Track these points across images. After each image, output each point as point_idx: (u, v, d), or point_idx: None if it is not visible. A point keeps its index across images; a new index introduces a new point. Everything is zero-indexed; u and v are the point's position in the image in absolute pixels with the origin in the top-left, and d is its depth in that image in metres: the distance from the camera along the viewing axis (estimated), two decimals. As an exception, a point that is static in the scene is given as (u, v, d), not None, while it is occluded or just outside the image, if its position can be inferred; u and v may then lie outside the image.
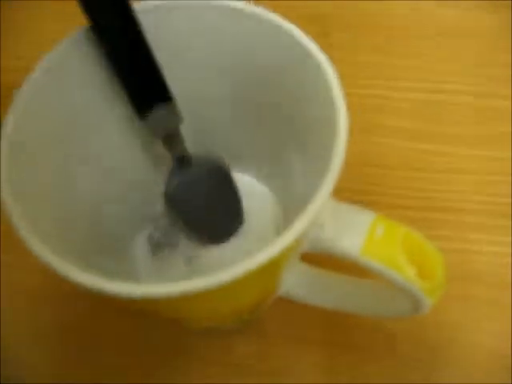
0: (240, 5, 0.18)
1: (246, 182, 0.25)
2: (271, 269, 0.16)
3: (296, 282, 0.22)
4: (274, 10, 0.18)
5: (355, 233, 0.16)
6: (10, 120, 0.16)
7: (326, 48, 0.17)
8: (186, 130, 0.21)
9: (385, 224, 0.16)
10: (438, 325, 0.24)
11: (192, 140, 0.22)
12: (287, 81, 0.19)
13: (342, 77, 0.17)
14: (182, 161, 0.22)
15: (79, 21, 0.18)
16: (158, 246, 0.24)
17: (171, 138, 0.21)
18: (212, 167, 0.23)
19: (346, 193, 0.17)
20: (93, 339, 0.25)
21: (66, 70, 0.19)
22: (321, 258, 0.22)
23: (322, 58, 0.17)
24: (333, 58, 0.17)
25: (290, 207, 0.22)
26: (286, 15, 0.18)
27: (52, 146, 0.19)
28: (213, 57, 0.21)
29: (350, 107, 0.16)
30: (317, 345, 0.24)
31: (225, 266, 0.13)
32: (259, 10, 0.18)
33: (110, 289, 0.13)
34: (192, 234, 0.24)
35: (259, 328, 0.24)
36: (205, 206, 0.24)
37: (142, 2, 0.19)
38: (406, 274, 0.16)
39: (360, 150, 0.28)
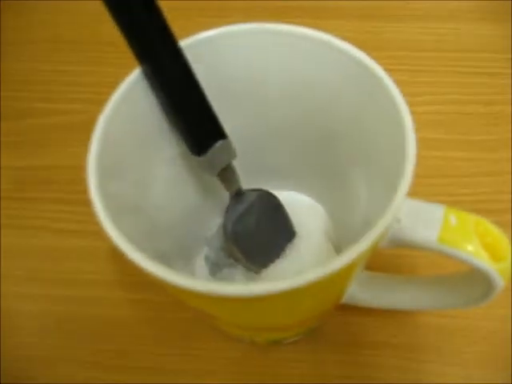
0: (300, 30, 0.20)
1: (293, 197, 0.26)
2: (350, 271, 0.17)
3: (360, 289, 0.23)
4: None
5: (431, 223, 0.17)
6: (95, 145, 0.18)
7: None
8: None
9: (456, 213, 0.17)
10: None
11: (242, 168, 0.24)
12: (350, 105, 0.20)
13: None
14: (237, 196, 0.24)
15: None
16: (216, 266, 0.25)
17: (226, 173, 0.23)
18: (260, 195, 0.24)
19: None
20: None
21: (129, 107, 0.20)
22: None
23: (390, 83, 0.18)
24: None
25: (346, 218, 0.23)
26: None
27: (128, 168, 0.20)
28: (268, 87, 0.22)
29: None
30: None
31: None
32: (326, 36, 0.19)
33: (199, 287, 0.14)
34: (249, 261, 0.25)
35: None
36: (259, 234, 0.25)
37: (189, 37, 0.21)
38: (482, 257, 0.17)
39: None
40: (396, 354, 0.25)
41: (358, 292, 0.22)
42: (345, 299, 0.23)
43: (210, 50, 0.20)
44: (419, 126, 0.31)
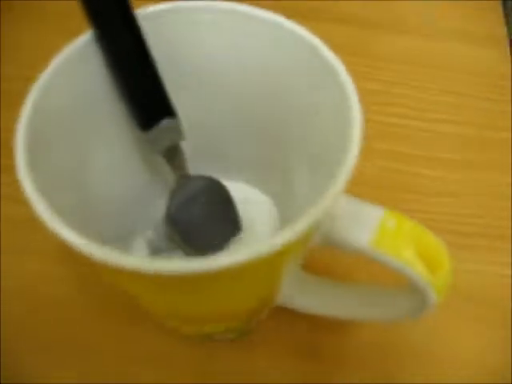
0: (256, 11, 0.19)
1: (243, 189, 0.25)
2: (281, 259, 0.16)
3: (297, 291, 0.22)
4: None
5: (367, 224, 0.16)
6: (25, 116, 0.17)
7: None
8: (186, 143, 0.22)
9: (396, 218, 0.16)
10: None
11: (191, 151, 0.23)
12: (301, 92, 0.19)
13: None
14: (182, 180, 0.23)
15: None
16: (157, 250, 0.24)
17: (172, 154, 0.22)
18: (208, 184, 0.23)
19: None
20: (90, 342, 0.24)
21: (71, 73, 0.19)
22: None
23: (343, 73, 0.17)
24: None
25: (290, 211, 0.22)
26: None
27: (63, 140, 0.19)
28: (219, 67, 0.21)
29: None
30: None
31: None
32: (279, 18, 0.19)
33: (126, 262, 0.13)
34: (190, 249, 0.24)
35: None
36: (203, 223, 0.24)
37: (145, 8, 0.20)
38: (416, 266, 0.16)
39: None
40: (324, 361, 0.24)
41: (295, 295, 0.22)
42: (282, 302, 0.22)
43: (165, 23, 0.19)
44: (386, 136, 0.31)
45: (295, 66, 0.19)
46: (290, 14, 0.19)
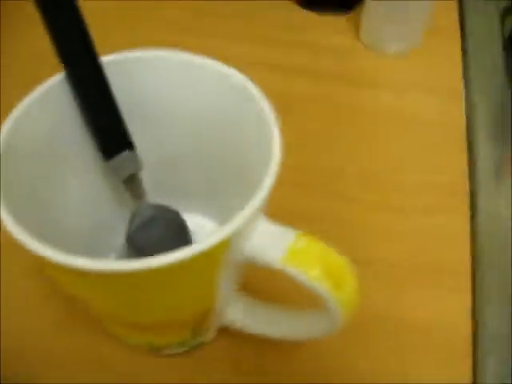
0: (196, 59, 0.22)
1: (197, 220, 0.28)
2: (205, 266, 0.18)
3: (240, 313, 0.24)
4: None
5: (280, 244, 0.19)
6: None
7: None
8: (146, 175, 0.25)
9: (306, 239, 0.19)
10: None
11: (151, 184, 0.26)
12: (231, 127, 0.23)
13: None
14: (141, 206, 0.26)
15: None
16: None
17: (132, 182, 0.25)
18: (165, 210, 0.26)
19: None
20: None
21: (43, 109, 0.22)
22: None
23: (261, 100, 0.20)
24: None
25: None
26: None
27: (35, 169, 0.22)
28: (171, 109, 0.24)
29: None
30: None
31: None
32: (211, 62, 0.22)
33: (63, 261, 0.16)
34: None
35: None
36: (159, 245, 0.26)
37: (111, 55, 0.23)
38: (321, 282, 0.18)
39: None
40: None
41: (237, 316, 0.24)
42: (227, 323, 0.24)
43: (124, 70, 0.23)
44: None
45: (227, 105, 0.22)
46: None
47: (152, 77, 0.23)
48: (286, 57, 0.42)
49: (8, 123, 0.20)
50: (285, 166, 0.20)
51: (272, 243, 0.19)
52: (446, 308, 0.28)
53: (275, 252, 0.19)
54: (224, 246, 0.17)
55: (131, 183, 0.25)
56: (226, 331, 0.26)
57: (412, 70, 0.41)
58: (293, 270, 0.18)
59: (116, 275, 0.16)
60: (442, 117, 0.38)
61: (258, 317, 0.25)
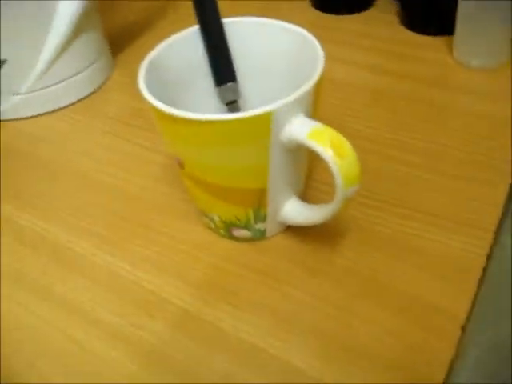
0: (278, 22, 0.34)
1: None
2: (258, 131, 0.28)
3: (290, 211, 0.34)
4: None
5: (306, 127, 0.28)
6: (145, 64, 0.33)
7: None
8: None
9: (324, 126, 0.28)
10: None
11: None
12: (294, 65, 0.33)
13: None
14: None
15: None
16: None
17: (233, 106, 0.36)
18: None
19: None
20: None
21: (182, 45, 0.34)
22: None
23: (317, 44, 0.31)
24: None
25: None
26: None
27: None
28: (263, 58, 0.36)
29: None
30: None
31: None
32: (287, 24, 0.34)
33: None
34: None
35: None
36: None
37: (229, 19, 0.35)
38: (327, 150, 0.28)
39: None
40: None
41: (294, 215, 0.34)
42: (285, 219, 0.34)
43: (235, 28, 0.35)
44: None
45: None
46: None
47: (250, 34, 0.35)
48: (383, 62, 0.52)
49: (154, 51, 0.33)
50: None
51: (302, 126, 0.29)
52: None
53: (303, 131, 0.28)
54: (268, 117, 0.27)
55: (232, 107, 0.36)
56: (284, 232, 0.36)
57: (491, 80, 0.48)
58: (312, 142, 0.28)
59: (204, 123, 0.27)
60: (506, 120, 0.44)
61: (301, 212, 0.34)
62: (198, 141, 0.29)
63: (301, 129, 0.28)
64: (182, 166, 0.32)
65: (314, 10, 0.62)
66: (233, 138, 0.28)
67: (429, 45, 0.53)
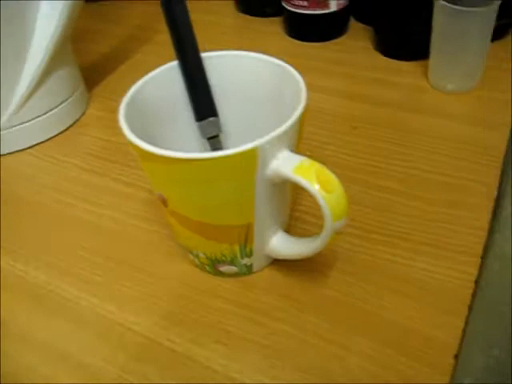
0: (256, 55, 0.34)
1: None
2: (243, 168, 0.28)
3: (277, 245, 0.34)
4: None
5: (292, 162, 0.28)
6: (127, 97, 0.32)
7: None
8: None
9: (310, 161, 0.28)
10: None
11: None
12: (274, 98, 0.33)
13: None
14: None
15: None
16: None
17: (214, 141, 0.36)
18: None
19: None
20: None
21: (161, 82, 0.34)
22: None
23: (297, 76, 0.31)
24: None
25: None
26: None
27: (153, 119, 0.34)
28: (243, 91, 0.36)
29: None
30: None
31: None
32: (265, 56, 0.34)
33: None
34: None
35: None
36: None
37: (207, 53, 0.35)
38: (314, 185, 0.27)
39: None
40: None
41: (280, 248, 0.34)
42: (272, 253, 0.34)
43: (213, 62, 0.35)
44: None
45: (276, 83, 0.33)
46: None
47: (229, 67, 0.35)
48: (359, 89, 0.52)
49: (134, 87, 0.33)
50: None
51: (287, 161, 0.28)
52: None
53: (289, 166, 0.28)
54: (254, 153, 0.27)
55: (214, 142, 0.36)
56: (271, 266, 0.36)
57: (466, 104, 0.49)
58: (298, 178, 0.28)
59: (189, 162, 0.27)
60: (484, 142, 0.45)
61: (288, 245, 0.34)
62: (182, 179, 0.29)
63: (286, 164, 0.28)
64: (165, 203, 0.32)
65: (288, 38, 0.62)
66: (218, 175, 0.28)
67: (404, 70, 0.54)
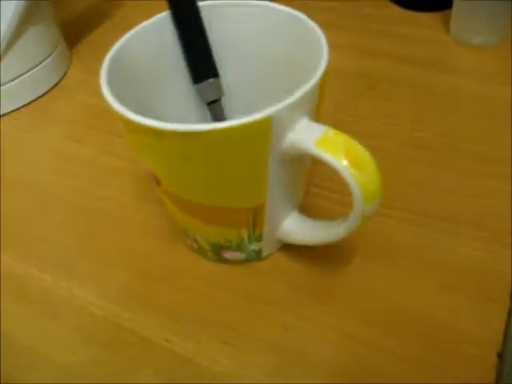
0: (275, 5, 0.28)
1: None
2: (254, 141, 0.23)
3: (291, 228, 0.29)
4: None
5: (314, 133, 0.23)
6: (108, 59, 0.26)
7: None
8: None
9: (334, 131, 0.23)
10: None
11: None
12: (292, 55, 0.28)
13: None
14: None
15: None
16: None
17: (215, 106, 0.30)
18: None
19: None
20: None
21: (150, 39, 0.28)
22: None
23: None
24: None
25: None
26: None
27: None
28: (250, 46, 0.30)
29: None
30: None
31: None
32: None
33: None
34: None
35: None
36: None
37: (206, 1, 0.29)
38: (341, 161, 0.22)
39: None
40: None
41: (292, 232, 0.29)
42: (283, 238, 0.29)
43: (215, 12, 0.29)
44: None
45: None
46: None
47: (235, 18, 0.29)
48: (373, 44, 0.46)
49: (118, 43, 0.27)
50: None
51: (308, 132, 0.23)
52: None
53: (310, 138, 0.23)
54: (267, 123, 0.22)
55: (214, 107, 0.30)
56: (282, 251, 0.31)
57: (495, 60, 0.43)
58: (322, 152, 0.23)
59: (186, 135, 0.22)
60: None
61: (304, 229, 0.29)
62: (180, 155, 0.24)
63: (307, 136, 0.23)
64: (158, 182, 0.27)
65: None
66: (223, 150, 0.23)
67: (421, 22, 0.49)
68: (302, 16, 0.27)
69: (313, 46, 0.26)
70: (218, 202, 0.26)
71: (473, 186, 0.34)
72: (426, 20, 0.49)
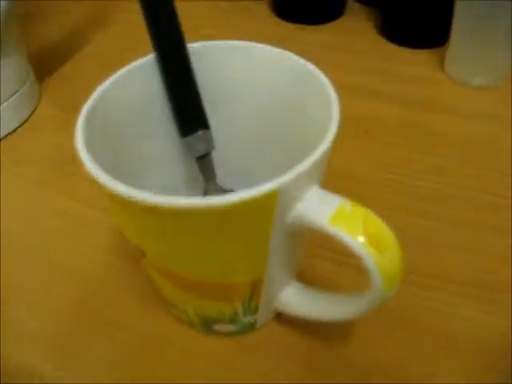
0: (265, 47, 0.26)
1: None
2: (256, 217, 0.20)
3: (290, 299, 0.26)
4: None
5: (327, 208, 0.20)
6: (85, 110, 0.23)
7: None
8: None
9: (351, 204, 0.20)
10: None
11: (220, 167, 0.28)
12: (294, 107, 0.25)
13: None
14: (210, 189, 0.27)
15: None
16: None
17: (204, 161, 0.27)
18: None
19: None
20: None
21: (132, 86, 0.25)
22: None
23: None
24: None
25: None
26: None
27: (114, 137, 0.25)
28: (247, 95, 0.27)
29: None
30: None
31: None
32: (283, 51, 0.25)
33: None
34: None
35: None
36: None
37: (195, 44, 0.26)
38: (358, 239, 0.19)
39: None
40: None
41: (290, 302, 0.26)
42: (281, 308, 0.26)
43: (205, 57, 0.26)
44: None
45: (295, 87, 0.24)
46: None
47: (229, 64, 0.26)
48: (365, 83, 0.44)
49: (96, 92, 0.23)
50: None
51: (321, 206, 0.20)
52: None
53: (323, 214, 0.20)
54: (273, 197, 0.19)
55: (204, 162, 0.27)
56: (277, 320, 0.28)
57: (492, 101, 0.41)
58: (338, 231, 0.19)
59: (180, 211, 0.18)
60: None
61: (307, 301, 0.25)
62: (170, 230, 0.20)
63: (319, 209, 0.20)
64: (142, 253, 0.23)
65: (274, 17, 0.53)
66: (221, 225, 0.20)
67: (414, 59, 0.46)
68: (306, 63, 0.24)
69: (318, 98, 0.23)
70: (213, 278, 0.23)
71: (484, 240, 0.31)
72: (418, 57, 0.46)
